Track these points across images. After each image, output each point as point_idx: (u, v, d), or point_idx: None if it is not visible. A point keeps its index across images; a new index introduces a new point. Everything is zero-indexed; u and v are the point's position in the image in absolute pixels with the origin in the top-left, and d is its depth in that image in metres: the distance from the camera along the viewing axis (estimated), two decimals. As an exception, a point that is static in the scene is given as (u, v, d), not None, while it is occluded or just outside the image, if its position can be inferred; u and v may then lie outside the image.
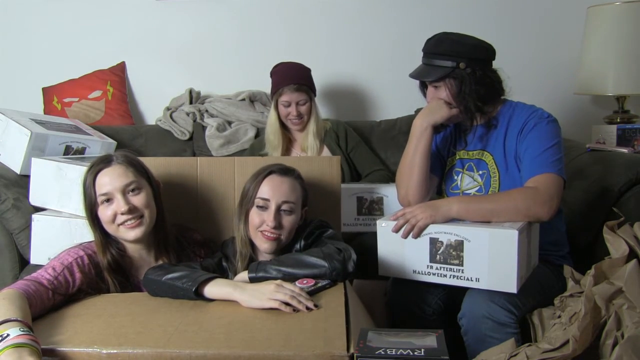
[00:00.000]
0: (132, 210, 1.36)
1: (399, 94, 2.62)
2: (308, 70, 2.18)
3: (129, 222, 1.37)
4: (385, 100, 2.64)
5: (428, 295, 1.51)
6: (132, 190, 1.38)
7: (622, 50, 2.25)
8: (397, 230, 1.44)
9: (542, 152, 1.46)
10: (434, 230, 1.40)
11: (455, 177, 1.64)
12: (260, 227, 1.40)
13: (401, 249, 1.45)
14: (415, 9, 2.58)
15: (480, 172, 1.59)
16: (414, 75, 1.59)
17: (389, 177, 2.20)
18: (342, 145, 2.20)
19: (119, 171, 1.38)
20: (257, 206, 1.42)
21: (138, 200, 1.38)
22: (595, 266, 1.22)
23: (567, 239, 1.63)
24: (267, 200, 1.41)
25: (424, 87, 1.63)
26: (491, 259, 1.33)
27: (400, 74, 2.59)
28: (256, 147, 2.27)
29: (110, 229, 1.38)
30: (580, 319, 1.14)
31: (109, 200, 1.36)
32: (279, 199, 1.41)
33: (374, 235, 1.84)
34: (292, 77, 2.12)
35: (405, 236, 1.43)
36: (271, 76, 2.20)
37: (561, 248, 1.60)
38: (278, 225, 1.40)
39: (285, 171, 1.46)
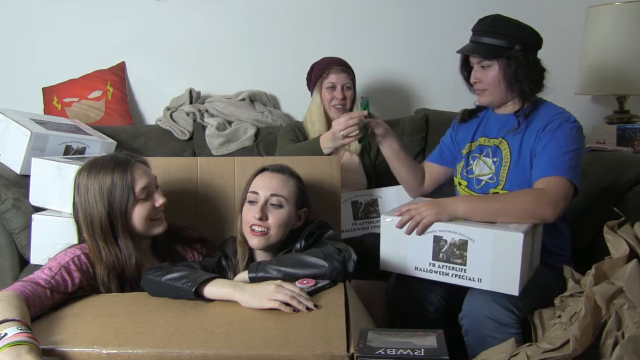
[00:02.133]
0: (165, 203, 1.40)
1: (400, 95, 2.62)
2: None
3: (159, 216, 1.40)
4: (386, 100, 2.64)
5: (430, 294, 1.51)
6: (156, 187, 1.41)
7: (622, 50, 2.25)
8: (401, 226, 1.43)
9: (558, 154, 1.45)
10: (438, 228, 1.40)
11: (471, 162, 1.65)
12: (250, 221, 1.40)
13: (404, 245, 1.44)
14: (415, 11, 2.57)
15: (495, 160, 1.59)
16: (464, 51, 1.58)
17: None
18: (372, 155, 2.14)
19: (145, 169, 1.40)
20: (248, 201, 1.43)
21: (162, 194, 1.41)
22: (595, 266, 1.22)
23: (570, 243, 1.62)
24: (256, 193, 1.42)
25: (465, 69, 1.63)
26: (495, 260, 1.33)
27: (401, 75, 2.61)
28: (297, 130, 2.13)
29: (144, 225, 1.37)
30: (580, 319, 1.13)
31: (147, 195, 1.37)
32: (267, 191, 1.41)
33: (372, 235, 1.85)
34: (337, 61, 2.10)
35: (410, 232, 1.42)
36: (311, 70, 2.16)
37: (563, 252, 1.59)
38: (264, 217, 1.39)
39: (278, 169, 1.47)
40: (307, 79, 2.19)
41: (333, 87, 2.07)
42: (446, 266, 1.39)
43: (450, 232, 1.38)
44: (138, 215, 1.36)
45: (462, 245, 1.36)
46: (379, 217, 1.94)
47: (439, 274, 1.40)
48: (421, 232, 1.41)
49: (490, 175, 1.58)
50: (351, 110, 2.11)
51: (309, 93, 2.18)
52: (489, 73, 1.55)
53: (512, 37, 1.51)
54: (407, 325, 1.51)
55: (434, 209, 1.41)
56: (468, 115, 1.71)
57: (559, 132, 1.48)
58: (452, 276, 1.39)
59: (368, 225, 1.95)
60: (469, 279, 1.37)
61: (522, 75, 1.51)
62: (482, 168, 1.61)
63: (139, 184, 1.35)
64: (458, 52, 1.59)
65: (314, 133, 2.10)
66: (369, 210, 1.95)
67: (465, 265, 1.36)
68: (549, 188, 1.41)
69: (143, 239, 1.42)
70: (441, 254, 1.40)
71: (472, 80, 1.60)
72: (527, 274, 1.39)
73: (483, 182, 1.60)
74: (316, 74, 2.12)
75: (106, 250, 1.33)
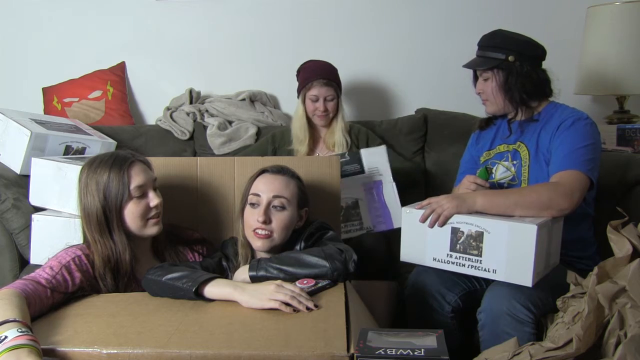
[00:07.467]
0: (160, 204, 1.40)
1: (400, 95, 2.62)
2: (336, 69, 2.18)
3: (156, 217, 1.39)
4: (386, 100, 2.64)
5: (448, 293, 1.53)
6: (155, 188, 1.41)
7: (622, 50, 2.25)
8: (424, 220, 1.47)
9: (573, 150, 1.50)
10: (456, 220, 1.44)
11: (490, 168, 1.69)
12: (253, 225, 1.40)
13: (423, 237, 1.48)
14: (415, 12, 2.57)
15: (515, 162, 1.64)
16: (467, 65, 1.68)
17: (415, 168, 2.25)
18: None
19: (143, 167, 1.40)
20: (250, 203, 1.42)
21: (160, 195, 1.41)
22: (598, 266, 1.21)
23: (596, 245, 1.63)
24: (258, 195, 1.41)
25: (475, 80, 1.71)
26: (509, 251, 1.36)
27: (400, 75, 2.61)
28: (278, 137, 2.23)
29: (137, 224, 1.38)
30: (583, 318, 1.13)
31: (142, 194, 1.37)
32: (269, 193, 1.40)
33: (372, 236, 1.84)
34: (321, 72, 2.13)
35: (432, 225, 1.46)
36: (298, 73, 2.20)
37: (586, 254, 1.61)
38: (268, 221, 1.39)
39: (279, 170, 1.46)
40: (296, 77, 2.22)
41: (316, 100, 2.12)
42: (463, 257, 1.43)
43: (467, 223, 1.42)
44: (131, 212, 1.36)
45: (479, 237, 1.40)
46: (361, 220, 1.91)
47: (456, 264, 1.44)
48: (442, 224, 1.45)
49: (511, 177, 1.63)
50: (334, 118, 2.15)
51: None
52: (488, 84, 1.65)
53: (507, 49, 1.60)
54: (421, 322, 1.52)
55: (454, 201, 1.46)
56: (485, 123, 1.78)
57: (573, 129, 1.54)
58: (468, 267, 1.42)
59: (350, 228, 1.88)
60: (485, 269, 1.40)
61: (513, 84, 1.59)
62: (502, 172, 1.66)
63: (134, 182, 1.36)
64: (463, 66, 1.69)
65: (294, 138, 2.16)
66: (351, 214, 1.88)
67: (481, 256, 1.40)
68: (563, 180, 1.46)
69: (140, 239, 1.42)
70: (458, 245, 1.43)
71: (476, 91, 1.70)
72: (543, 269, 1.41)
73: (505, 186, 1.64)
74: (301, 83, 2.17)
75: (101, 243, 1.35)
